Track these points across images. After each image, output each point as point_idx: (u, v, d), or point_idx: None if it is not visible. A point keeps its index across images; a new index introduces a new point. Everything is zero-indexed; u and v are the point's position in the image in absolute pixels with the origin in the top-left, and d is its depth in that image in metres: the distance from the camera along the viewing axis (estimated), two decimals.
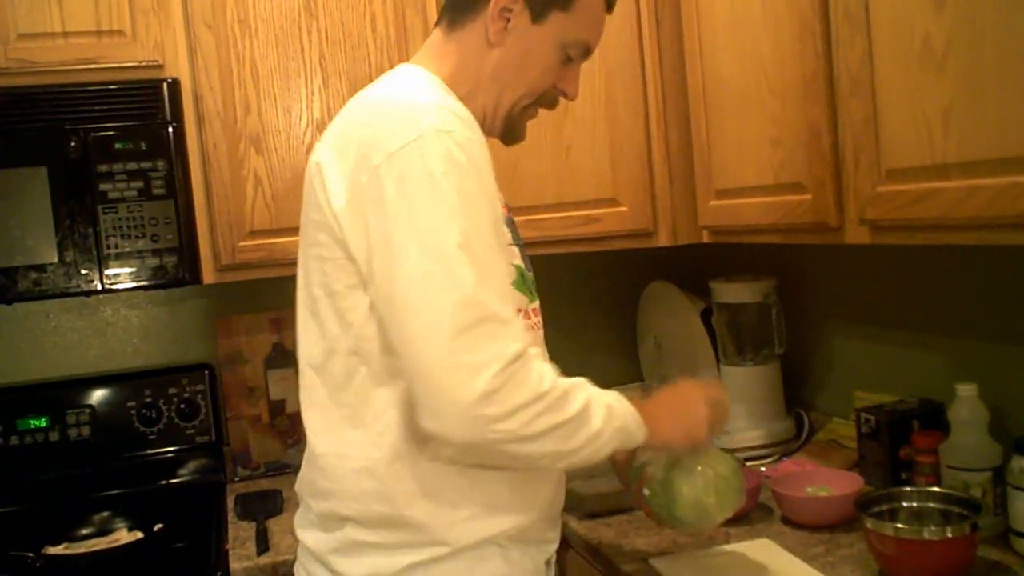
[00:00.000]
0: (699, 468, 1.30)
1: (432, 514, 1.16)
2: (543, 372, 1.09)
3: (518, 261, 1.25)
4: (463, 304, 1.03)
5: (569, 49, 1.27)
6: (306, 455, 1.26)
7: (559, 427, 1.09)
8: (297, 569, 1.30)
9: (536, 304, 1.31)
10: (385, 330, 1.11)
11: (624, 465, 1.40)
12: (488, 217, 1.10)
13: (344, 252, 1.14)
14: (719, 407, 1.31)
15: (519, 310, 1.22)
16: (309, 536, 1.25)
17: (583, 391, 1.14)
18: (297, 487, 1.30)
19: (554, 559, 1.32)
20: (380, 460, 1.16)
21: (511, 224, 1.28)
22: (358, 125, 1.16)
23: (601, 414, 1.14)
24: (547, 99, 1.32)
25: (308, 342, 1.23)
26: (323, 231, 1.16)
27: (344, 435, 1.19)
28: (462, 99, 1.25)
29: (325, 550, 1.21)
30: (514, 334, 1.06)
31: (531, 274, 1.30)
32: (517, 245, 1.27)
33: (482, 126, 1.29)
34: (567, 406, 1.10)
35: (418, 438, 1.14)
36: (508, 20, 1.23)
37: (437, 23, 1.31)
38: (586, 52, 1.30)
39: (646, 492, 1.33)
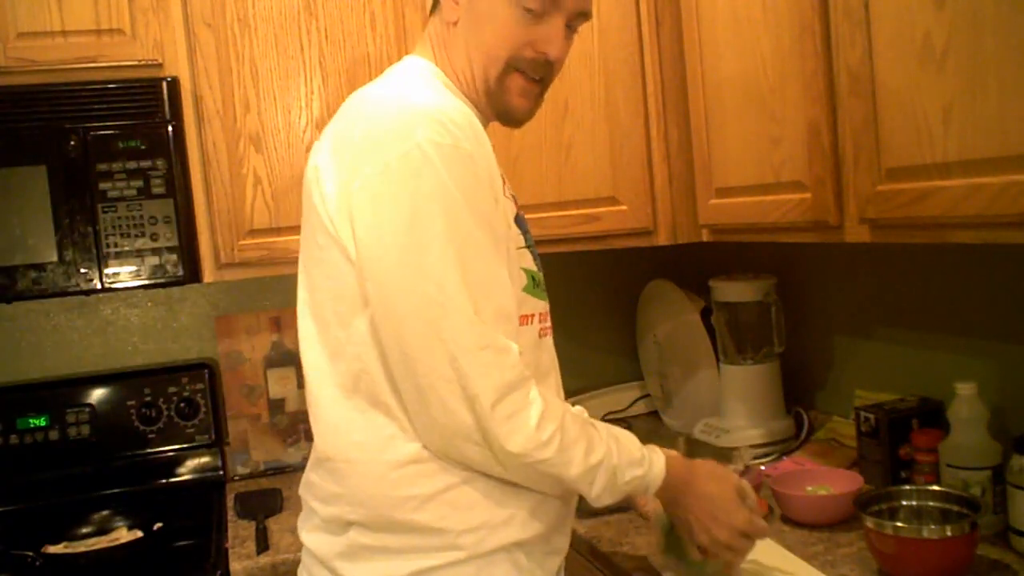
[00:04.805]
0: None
1: (443, 519, 1.13)
2: (542, 416, 1.08)
3: (528, 264, 1.21)
4: (462, 328, 1.03)
5: (525, 2, 1.16)
6: (312, 458, 1.24)
7: (548, 476, 1.12)
8: (300, 572, 1.28)
9: (546, 306, 1.28)
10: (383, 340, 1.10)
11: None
12: (484, 231, 1.08)
13: (344, 257, 1.13)
14: (755, 531, 1.26)
15: (530, 316, 1.20)
16: (313, 539, 1.22)
17: (592, 455, 1.14)
18: (301, 490, 1.27)
19: (563, 567, 1.30)
20: (389, 465, 1.13)
21: (522, 223, 1.24)
22: (354, 128, 1.14)
23: (602, 481, 1.15)
24: (526, 64, 1.20)
25: (312, 346, 1.20)
26: (322, 234, 1.15)
27: (352, 439, 1.16)
28: (462, 87, 1.22)
29: (330, 554, 1.18)
30: (510, 363, 1.06)
31: (542, 274, 1.26)
32: (528, 247, 1.23)
33: (480, 110, 1.24)
34: (567, 468, 1.12)
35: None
36: None
37: (431, 11, 1.27)
38: (552, 2, 1.17)
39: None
